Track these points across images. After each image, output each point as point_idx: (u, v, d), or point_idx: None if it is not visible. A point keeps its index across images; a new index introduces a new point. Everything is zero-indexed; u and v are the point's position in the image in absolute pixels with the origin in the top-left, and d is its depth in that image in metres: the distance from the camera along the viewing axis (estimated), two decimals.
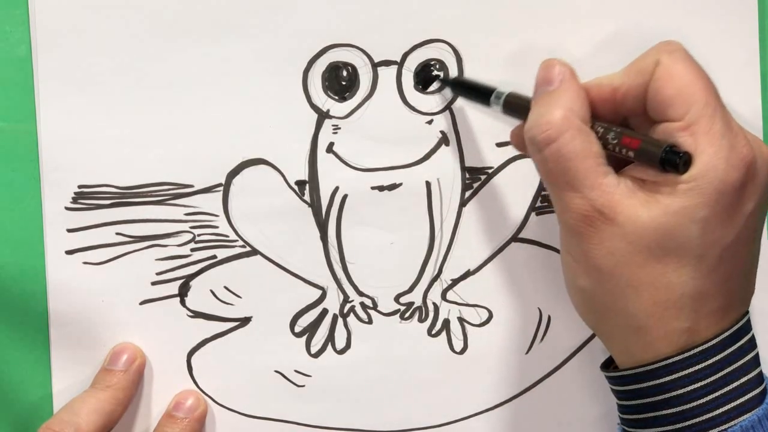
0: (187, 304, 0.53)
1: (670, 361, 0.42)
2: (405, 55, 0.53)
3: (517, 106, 0.48)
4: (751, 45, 0.54)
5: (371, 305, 0.54)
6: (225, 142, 0.52)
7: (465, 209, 0.54)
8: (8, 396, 0.52)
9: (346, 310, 0.54)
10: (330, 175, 0.53)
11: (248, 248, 0.53)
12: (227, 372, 0.54)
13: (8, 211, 0.51)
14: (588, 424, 0.56)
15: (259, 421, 0.54)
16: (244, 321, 0.53)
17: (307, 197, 0.53)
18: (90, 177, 0.51)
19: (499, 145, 0.54)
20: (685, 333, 0.42)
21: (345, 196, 0.53)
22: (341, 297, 0.54)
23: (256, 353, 0.54)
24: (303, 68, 0.52)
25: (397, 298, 0.54)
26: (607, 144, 0.43)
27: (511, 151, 0.53)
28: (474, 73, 0.53)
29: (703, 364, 0.42)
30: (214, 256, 0.53)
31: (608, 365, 0.47)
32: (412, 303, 0.54)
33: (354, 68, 0.52)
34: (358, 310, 0.54)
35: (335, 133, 0.53)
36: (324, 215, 0.53)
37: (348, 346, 0.54)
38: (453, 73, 0.53)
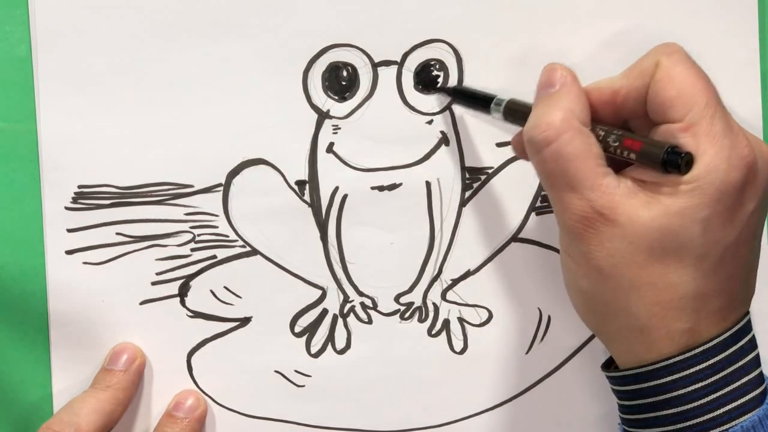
0: (187, 304, 0.53)
1: (671, 361, 0.42)
2: (405, 55, 0.53)
3: (517, 113, 0.48)
4: (751, 45, 0.54)
5: (371, 305, 0.54)
6: (225, 142, 0.52)
7: (465, 209, 0.54)
8: (8, 396, 0.52)
9: (346, 310, 0.54)
10: (330, 175, 0.53)
11: (248, 248, 0.53)
12: (227, 372, 0.54)
13: (8, 211, 0.51)
14: (588, 424, 0.56)
15: (259, 421, 0.54)
16: (244, 321, 0.53)
17: (307, 197, 0.53)
18: (90, 177, 0.51)
19: (499, 145, 0.54)
20: (686, 333, 0.42)
21: (345, 196, 0.53)
22: (341, 297, 0.54)
23: (256, 353, 0.54)
24: (303, 68, 0.52)
25: (397, 298, 0.54)
26: (608, 147, 0.43)
27: (511, 152, 0.53)
28: (474, 73, 0.53)
29: (704, 365, 0.42)
30: (214, 256, 0.53)
31: (609, 365, 0.47)
32: (412, 303, 0.54)
33: (354, 68, 0.52)
34: (358, 310, 0.54)
35: (335, 133, 0.53)
36: (324, 215, 0.53)
37: (348, 346, 0.54)
38: (453, 73, 0.53)
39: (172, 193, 0.52)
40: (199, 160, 0.52)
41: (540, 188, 0.54)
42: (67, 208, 0.51)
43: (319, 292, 0.54)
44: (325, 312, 0.54)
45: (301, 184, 0.53)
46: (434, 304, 0.55)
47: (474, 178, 0.54)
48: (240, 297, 0.53)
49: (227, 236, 0.53)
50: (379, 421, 0.55)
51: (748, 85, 0.54)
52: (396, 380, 0.55)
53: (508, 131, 0.53)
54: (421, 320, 0.55)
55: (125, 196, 0.52)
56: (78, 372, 0.52)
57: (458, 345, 0.55)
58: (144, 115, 0.51)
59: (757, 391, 0.43)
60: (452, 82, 0.53)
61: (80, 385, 0.52)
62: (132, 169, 0.52)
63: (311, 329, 0.54)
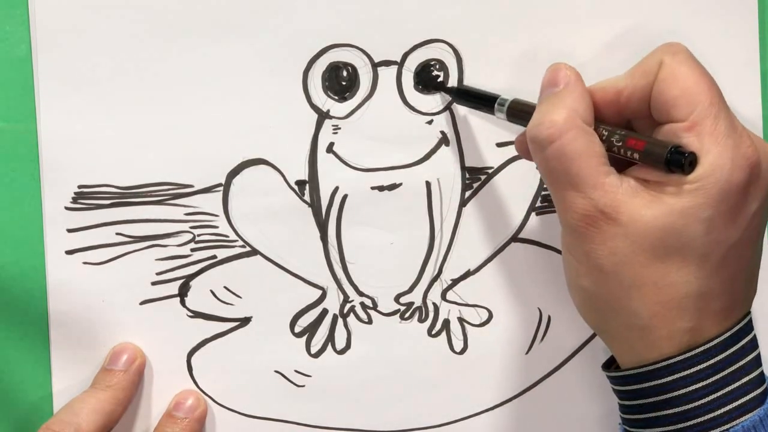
0: (187, 304, 0.53)
1: (672, 361, 0.42)
2: (405, 55, 0.53)
3: (521, 112, 0.48)
4: (751, 45, 0.54)
5: (371, 305, 0.54)
6: (225, 142, 0.52)
7: (465, 209, 0.54)
8: (8, 396, 0.52)
9: (346, 310, 0.54)
10: (330, 175, 0.53)
11: (248, 248, 0.53)
12: (227, 372, 0.54)
13: (8, 211, 0.51)
14: (588, 424, 0.56)
15: (259, 421, 0.54)
16: (244, 321, 0.53)
17: (307, 197, 0.53)
18: (90, 177, 0.51)
19: (499, 145, 0.54)
20: (687, 333, 0.42)
21: (345, 196, 0.53)
22: (341, 297, 0.54)
23: (256, 353, 0.54)
24: (303, 68, 0.52)
25: (397, 298, 0.54)
26: (612, 146, 0.43)
27: (511, 151, 0.53)
28: (474, 73, 0.53)
29: (705, 364, 0.42)
30: (214, 256, 0.53)
31: (609, 365, 0.47)
32: (412, 303, 0.54)
33: (354, 68, 0.52)
34: (358, 310, 0.54)
35: (335, 133, 0.53)
36: (324, 215, 0.53)
37: (348, 346, 0.54)
38: (453, 73, 0.53)
39: (172, 193, 0.52)
40: (199, 160, 0.52)
41: (540, 188, 0.54)
42: (67, 208, 0.51)
43: (319, 292, 0.54)
44: (325, 312, 0.54)
45: (301, 184, 0.53)
46: (434, 304, 0.55)
47: (474, 178, 0.54)
48: (240, 297, 0.53)
49: (227, 236, 0.53)
50: (379, 421, 0.55)
51: (748, 85, 0.54)
52: (396, 380, 0.55)
53: (508, 131, 0.53)
54: (421, 320, 0.55)
55: (125, 196, 0.52)
56: (78, 372, 0.52)
57: (458, 345, 0.55)
58: (144, 115, 0.51)
59: (758, 391, 0.43)
60: (452, 82, 0.53)
61: (80, 385, 0.52)
62: (132, 169, 0.51)
63: (311, 329, 0.54)
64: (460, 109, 0.53)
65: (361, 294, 0.54)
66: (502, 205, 0.54)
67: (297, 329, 0.54)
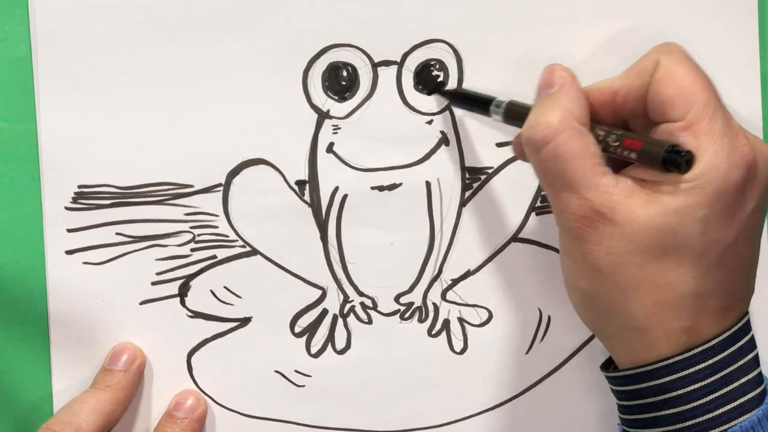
0: (187, 304, 0.53)
1: (670, 361, 0.42)
2: (405, 55, 0.53)
3: (517, 114, 0.48)
4: (751, 45, 0.54)
5: (371, 305, 0.54)
6: (225, 142, 0.52)
7: (465, 209, 0.54)
8: (8, 396, 0.52)
9: (346, 310, 0.54)
10: (330, 175, 0.53)
11: (248, 248, 0.53)
12: (227, 372, 0.54)
13: (8, 211, 0.51)
14: (588, 424, 0.56)
15: (259, 421, 0.54)
16: (244, 321, 0.53)
17: (307, 197, 0.53)
18: (90, 177, 0.51)
19: (499, 145, 0.54)
20: (685, 333, 0.42)
21: (345, 196, 0.53)
22: (341, 297, 0.54)
23: (256, 353, 0.54)
24: (303, 68, 0.52)
25: (397, 298, 0.54)
26: (608, 147, 0.43)
27: (511, 152, 0.53)
28: (474, 73, 0.53)
29: (703, 365, 0.42)
30: (214, 256, 0.53)
31: (608, 365, 0.47)
32: (412, 303, 0.54)
33: (354, 68, 0.52)
34: (358, 310, 0.54)
35: (335, 133, 0.53)
36: (324, 215, 0.53)
37: (348, 346, 0.54)
38: (453, 73, 0.53)
39: (172, 193, 0.52)
40: (199, 160, 0.52)
41: (540, 188, 0.54)
42: (67, 208, 0.51)
43: (319, 292, 0.54)
44: (325, 312, 0.54)
45: (301, 184, 0.53)
46: (434, 304, 0.55)
47: (474, 178, 0.54)
48: (240, 297, 0.53)
49: (227, 236, 0.53)
50: (379, 421, 0.55)
51: (748, 85, 0.54)
52: (396, 380, 0.55)
53: (508, 131, 0.53)
54: (421, 320, 0.55)
55: (125, 196, 0.52)
56: (78, 372, 0.52)
57: (458, 345, 0.55)
58: (144, 115, 0.51)
59: (756, 392, 0.43)
60: (452, 82, 0.53)
61: (80, 385, 0.52)
62: (132, 169, 0.52)
63: (311, 329, 0.54)
64: (460, 109, 0.53)
65: (361, 294, 0.54)
66: (502, 205, 0.54)
67: (297, 329, 0.54)
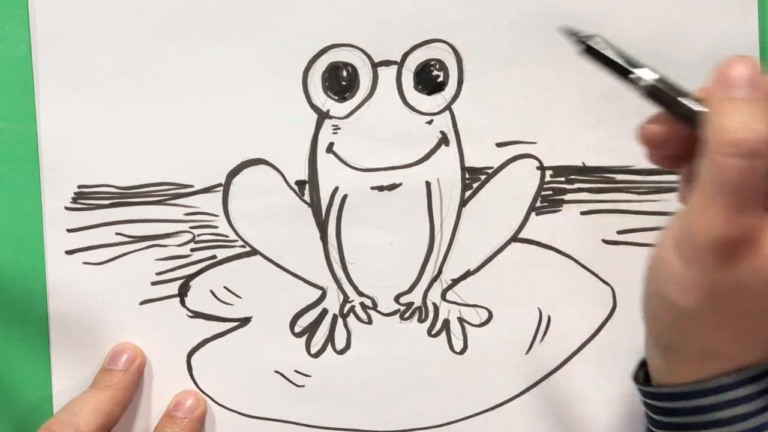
0: (187, 304, 0.53)
1: (720, 382, 0.40)
2: (405, 55, 0.53)
3: (665, 95, 0.41)
4: (751, 45, 0.54)
5: (371, 305, 0.54)
6: (225, 142, 0.52)
7: (465, 209, 0.54)
8: (8, 396, 0.52)
9: (346, 310, 0.54)
10: (330, 175, 0.53)
11: (248, 248, 0.53)
12: (227, 372, 0.54)
13: (8, 211, 0.51)
14: (588, 423, 0.56)
15: (259, 421, 0.54)
16: (244, 321, 0.53)
17: (307, 197, 0.53)
18: (90, 177, 0.51)
19: (499, 145, 0.54)
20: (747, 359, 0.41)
21: (345, 196, 0.53)
22: (341, 297, 0.54)
23: (256, 353, 0.54)
24: (303, 68, 0.52)
25: (397, 298, 0.54)
26: None
27: (511, 151, 0.53)
28: (474, 73, 0.53)
29: (753, 386, 0.41)
30: (214, 256, 0.53)
31: (641, 377, 0.45)
32: (412, 303, 0.54)
33: (354, 68, 0.52)
34: (358, 310, 0.54)
35: (335, 133, 0.53)
36: (324, 215, 0.53)
37: (348, 346, 0.54)
38: (453, 73, 0.53)
39: (172, 193, 0.52)
40: (199, 160, 0.52)
41: (540, 188, 0.54)
42: (67, 208, 0.51)
43: (319, 292, 0.54)
44: (325, 312, 0.54)
45: (301, 184, 0.53)
46: (434, 304, 0.55)
47: (474, 178, 0.54)
48: (240, 297, 0.53)
49: (227, 236, 0.53)
50: (379, 421, 0.55)
51: None
52: (396, 380, 0.55)
53: (508, 131, 0.53)
54: (421, 320, 0.55)
55: (125, 196, 0.52)
56: (78, 372, 0.52)
57: (458, 345, 0.55)
58: (144, 115, 0.51)
59: None
60: (452, 82, 0.53)
61: (80, 385, 0.52)
62: (132, 169, 0.52)
63: (311, 329, 0.54)
64: (460, 109, 0.53)
65: (361, 294, 0.54)
66: (502, 205, 0.54)
67: (297, 329, 0.54)
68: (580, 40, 0.43)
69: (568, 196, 0.54)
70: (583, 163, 0.54)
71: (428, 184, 0.54)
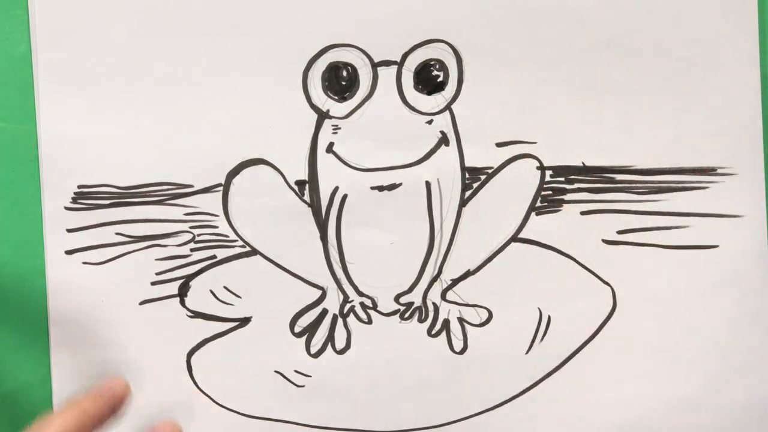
0: (187, 304, 0.53)
1: None
2: (405, 55, 0.53)
3: None
4: (751, 45, 0.54)
5: (371, 305, 0.54)
6: (225, 142, 0.52)
7: (465, 209, 0.54)
8: (8, 396, 0.52)
9: (346, 310, 0.54)
10: (330, 175, 0.53)
11: (248, 248, 0.53)
12: (227, 372, 0.54)
13: (8, 211, 0.51)
14: (588, 423, 0.56)
15: (259, 421, 0.54)
16: (244, 321, 0.53)
17: (306, 197, 0.53)
18: (90, 177, 0.51)
19: (499, 145, 0.54)
20: None
21: (345, 196, 0.53)
22: (341, 297, 0.54)
23: (256, 353, 0.54)
24: (303, 68, 0.52)
25: (397, 298, 0.54)
26: None
27: (511, 151, 0.53)
28: (474, 73, 0.53)
29: None
30: (214, 256, 0.53)
31: None
32: (412, 303, 0.54)
33: (354, 68, 0.52)
34: (358, 310, 0.54)
35: (335, 133, 0.53)
36: (324, 215, 0.53)
37: (348, 346, 0.54)
38: (453, 73, 0.53)
39: (172, 193, 0.52)
40: (199, 160, 0.52)
41: (540, 188, 0.54)
42: (66, 209, 0.51)
43: (319, 292, 0.54)
44: (325, 312, 0.54)
45: (301, 184, 0.53)
46: (434, 304, 0.55)
47: (474, 178, 0.54)
48: (240, 297, 0.53)
49: (227, 236, 0.53)
50: (379, 421, 0.55)
51: (748, 86, 0.54)
52: (396, 380, 0.55)
53: (508, 131, 0.53)
54: (421, 320, 0.55)
55: (125, 196, 0.52)
56: (78, 372, 0.52)
57: (458, 345, 0.55)
58: (144, 115, 0.51)
59: None
60: (452, 82, 0.53)
61: (80, 385, 0.52)
62: (132, 169, 0.52)
63: (311, 329, 0.54)
64: (460, 109, 0.53)
65: (361, 294, 0.54)
66: (502, 205, 0.54)
67: (297, 329, 0.54)
68: None
69: (568, 196, 0.54)
70: (583, 163, 0.54)
71: (428, 184, 0.54)
